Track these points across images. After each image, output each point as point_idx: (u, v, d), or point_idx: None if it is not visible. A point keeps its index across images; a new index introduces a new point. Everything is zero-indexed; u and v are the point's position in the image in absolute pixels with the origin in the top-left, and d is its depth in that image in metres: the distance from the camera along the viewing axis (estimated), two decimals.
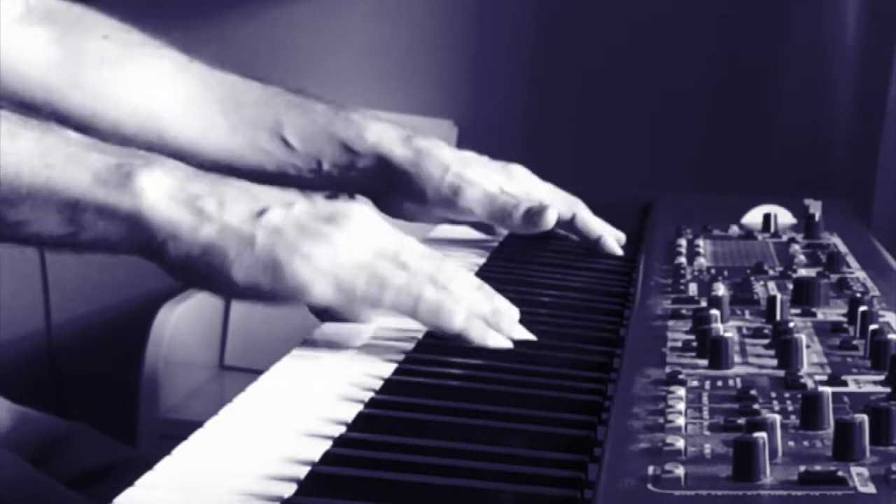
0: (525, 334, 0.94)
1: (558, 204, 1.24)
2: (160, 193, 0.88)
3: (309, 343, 0.96)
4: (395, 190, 1.20)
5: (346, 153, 1.20)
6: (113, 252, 0.90)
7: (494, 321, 0.93)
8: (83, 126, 1.14)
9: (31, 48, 1.15)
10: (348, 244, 0.90)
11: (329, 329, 0.99)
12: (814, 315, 0.97)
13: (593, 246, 1.24)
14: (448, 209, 1.21)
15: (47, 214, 0.88)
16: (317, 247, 0.89)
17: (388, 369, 0.88)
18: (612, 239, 1.24)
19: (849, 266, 1.13)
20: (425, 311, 0.91)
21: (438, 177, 1.20)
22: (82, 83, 1.16)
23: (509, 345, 0.93)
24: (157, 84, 1.19)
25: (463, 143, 2.21)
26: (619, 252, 1.24)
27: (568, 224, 1.25)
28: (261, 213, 0.89)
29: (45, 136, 0.89)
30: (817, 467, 0.64)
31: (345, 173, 1.21)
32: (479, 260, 1.22)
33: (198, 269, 0.89)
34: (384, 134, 1.21)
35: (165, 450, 0.71)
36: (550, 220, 1.18)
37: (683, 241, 1.25)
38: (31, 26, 1.16)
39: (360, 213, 0.93)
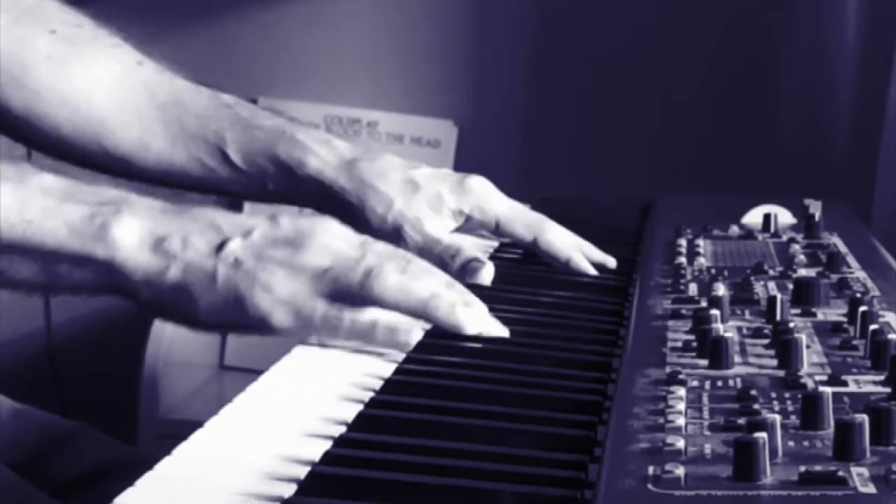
0: (498, 328, 0.94)
1: (517, 226, 1.18)
2: (132, 240, 0.91)
3: (309, 343, 0.96)
4: (341, 217, 1.10)
5: (288, 176, 1.16)
6: (90, 294, 0.94)
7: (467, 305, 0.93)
8: (21, 123, 1.13)
9: None
10: (306, 266, 0.91)
11: None
12: (814, 315, 0.97)
13: (563, 266, 1.17)
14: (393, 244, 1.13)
15: (25, 265, 0.92)
16: (276, 275, 0.91)
17: (388, 369, 0.88)
18: (583, 260, 1.17)
19: (849, 266, 1.13)
20: (380, 337, 0.91)
21: (381, 213, 1.15)
22: (25, 79, 1.13)
23: (480, 328, 0.93)
24: (100, 87, 1.16)
25: (463, 142, 2.21)
26: (592, 270, 1.16)
27: (531, 246, 1.18)
28: (221, 245, 0.91)
29: (21, 188, 0.91)
30: (817, 467, 0.64)
31: (290, 195, 1.17)
32: None
33: (168, 307, 0.92)
34: (328, 160, 1.15)
35: (165, 450, 0.71)
36: (486, 278, 1.08)
37: (683, 241, 1.24)
38: None
39: (322, 229, 0.93)
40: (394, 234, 1.14)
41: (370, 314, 0.92)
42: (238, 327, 0.93)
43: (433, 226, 1.15)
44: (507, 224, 1.18)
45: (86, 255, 0.91)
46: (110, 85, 1.16)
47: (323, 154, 1.16)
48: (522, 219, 1.19)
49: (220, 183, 1.18)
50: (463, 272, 1.08)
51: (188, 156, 1.17)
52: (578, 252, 1.17)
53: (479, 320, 0.94)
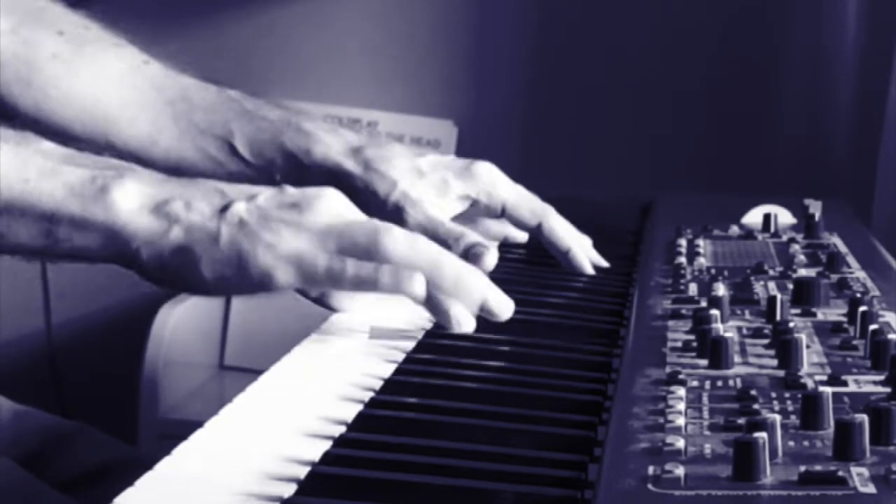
0: (505, 302, 0.94)
1: (522, 211, 1.18)
2: (133, 204, 0.90)
3: (309, 343, 0.96)
4: None
5: (295, 165, 1.16)
6: (90, 261, 0.93)
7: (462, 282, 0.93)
8: (31, 123, 1.14)
9: None
10: (312, 225, 0.91)
11: (329, 329, 0.99)
12: (814, 315, 0.97)
13: (561, 259, 1.17)
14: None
15: (23, 227, 0.91)
16: (279, 234, 0.90)
17: (388, 369, 0.89)
18: (582, 253, 1.18)
19: (849, 266, 1.13)
20: (386, 279, 0.90)
21: (384, 194, 1.14)
22: (32, 78, 1.14)
23: (486, 295, 0.93)
24: (108, 85, 1.17)
25: (463, 142, 2.21)
26: (589, 269, 1.17)
27: (535, 231, 1.18)
28: (224, 208, 0.91)
29: (21, 149, 0.91)
30: (817, 467, 0.64)
31: (297, 185, 1.17)
32: None
33: (170, 272, 0.92)
34: (333, 146, 1.16)
35: (165, 450, 0.71)
36: (489, 262, 1.06)
37: (683, 241, 1.25)
38: None
39: (328, 195, 0.93)
40: (396, 215, 1.13)
41: (368, 300, 0.91)
42: (241, 288, 0.92)
43: (437, 208, 1.15)
44: (513, 208, 1.18)
45: (85, 217, 0.90)
46: (117, 82, 1.17)
47: (329, 141, 1.16)
48: (528, 204, 1.19)
49: (229, 176, 1.18)
50: (466, 256, 1.07)
51: (196, 150, 1.17)
52: (579, 246, 1.18)
53: (484, 282, 0.93)
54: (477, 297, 0.93)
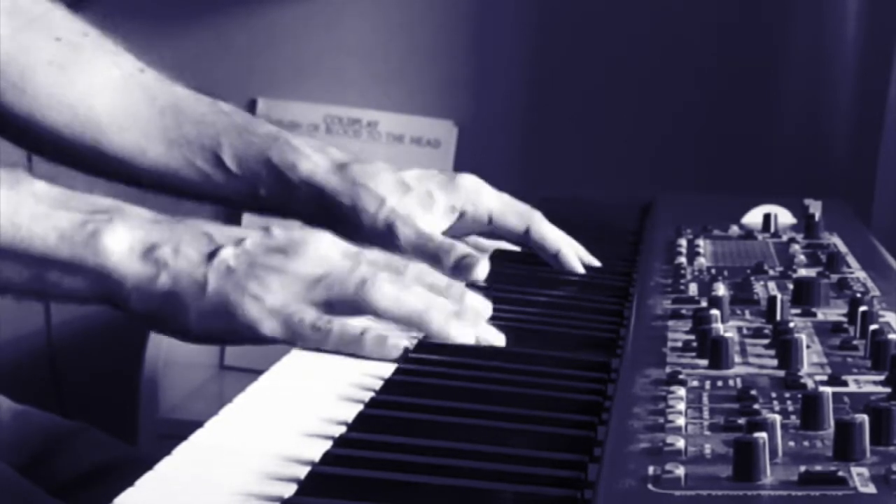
0: (494, 336, 0.94)
1: (509, 217, 1.18)
2: (122, 248, 0.91)
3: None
4: (333, 222, 1.14)
5: (281, 181, 1.16)
6: (81, 303, 0.95)
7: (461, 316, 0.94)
8: (22, 127, 1.14)
9: None
10: (300, 273, 0.91)
11: None
12: (814, 315, 0.97)
13: (551, 262, 1.18)
14: (385, 245, 1.11)
15: (14, 270, 0.92)
16: (266, 284, 0.91)
17: (388, 369, 0.88)
18: (573, 253, 1.18)
19: (849, 266, 1.13)
20: (368, 346, 0.91)
21: (373, 212, 1.14)
22: (27, 84, 1.14)
23: (473, 339, 0.93)
24: (100, 92, 1.17)
25: (463, 142, 2.21)
26: (580, 268, 1.17)
27: (523, 237, 1.19)
28: (212, 254, 0.92)
29: (13, 193, 0.92)
30: (817, 467, 0.64)
31: (283, 202, 1.17)
32: None
33: (159, 318, 0.93)
34: (320, 163, 1.16)
35: (165, 450, 0.71)
36: (480, 274, 1.07)
37: (683, 241, 1.25)
38: None
39: (316, 239, 0.94)
40: (386, 232, 1.13)
41: (360, 323, 0.92)
42: (228, 337, 0.93)
43: (426, 223, 1.15)
44: (500, 216, 1.19)
45: (76, 262, 0.91)
46: (110, 90, 1.17)
47: (315, 158, 1.16)
48: (514, 209, 1.19)
49: (215, 188, 1.18)
50: (457, 269, 1.08)
51: (184, 160, 1.17)
52: (568, 246, 1.18)
53: (471, 332, 0.94)
54: (465, 341, 0.94)
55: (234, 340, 0.93)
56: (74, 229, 0.91)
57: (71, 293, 0.93)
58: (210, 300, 0.91)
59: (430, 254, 1.10)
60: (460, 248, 1.09)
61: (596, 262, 1.19)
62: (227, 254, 0.92)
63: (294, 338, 0.91)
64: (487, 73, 2.24)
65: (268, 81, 2.24)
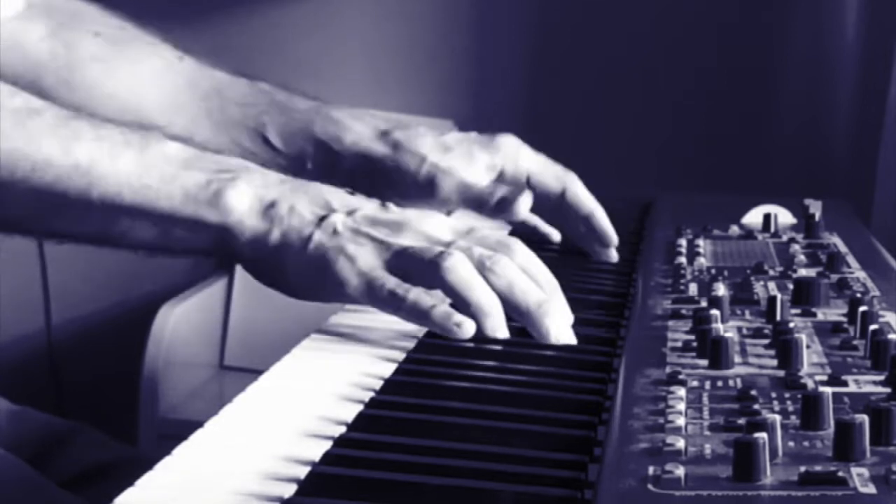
0: (565, 334, 0.94)
1: (548, 178, 1.22)
2: (244, 206, 0.96)
3: (309, 343, 0.96)
4: (379, 186, 1.19)
5: (327, 153, 1.20)
6: (202, 255, 1.01)
7: (534, 310, 0.94)
8: None
9: (25, 43, 1.16)
10: (395, 245, 0.94)
11: (329, 329, 0.99)
12: (814, 315, 0.97)
13: (584, 223, 1.21)
14: (428, 200, 1.18)
15: (143, 227, 0.97)
16: (362, 248, 0.94)
17: (388, 369, 0.88)
18: (606, 217, 1.22)
19: (849, 266, 1.13)
20: (437, 319, 0.92)
21: (415, 169, 1.19)
22: (72, 80, 1.17)
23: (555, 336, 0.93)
24: (145, 83, 1.20)
25: None
26: (612, 232, 1.21)
27: (559, 199, 1.22)
28: (323, 217, 0.95)
29: (144, 155, 0.96)
30: (817, 467, 0.64)
31: (329, 172, 1.20)
32: None
33: (266, 270, 0.97)
34: (363, 132, 1.20)
35: (165, 450, 0.71)
36: (524, 207, 1.14)
37: (683, 241, 1.25)
38: (28, 21, 1.17)
39: (428, 217, 0.97)
40: (427, 186, 1.18)
41: (437, 296, 0.93)
42: (318, 292, 0.96)
43: (467, 174, 1.19)
44: (538, 175, 1.22)
45: (200, 219, 0.96)
46: (155, 80, 1.21)
47: (358, 128, 1.21)
48: (552, 170, 1.24)
49: (263, 165, 1.20)
50: (500, 206, 1.15)
51: (230, 141, 1.20)
52: (602, 211, 1.22)
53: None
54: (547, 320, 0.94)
55: (323, 297, 0.96)
56: (199, 188, 0.96)
57: (194, 248, 0.98)
58: (309, 255, 0.94)
59: (472, 199, 1.17)
60: (501, 190, 1.14)
61: (616, 239, 1.22)
62: (337, 218, 0.95)
63: (372, 301, 0.94)
64: (487, 73, 2.24)
65: (258, 78, 2.23)
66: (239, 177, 0.96)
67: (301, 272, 0.95)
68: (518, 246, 0.97)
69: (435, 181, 1.18)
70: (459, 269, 0.93)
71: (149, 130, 1.00)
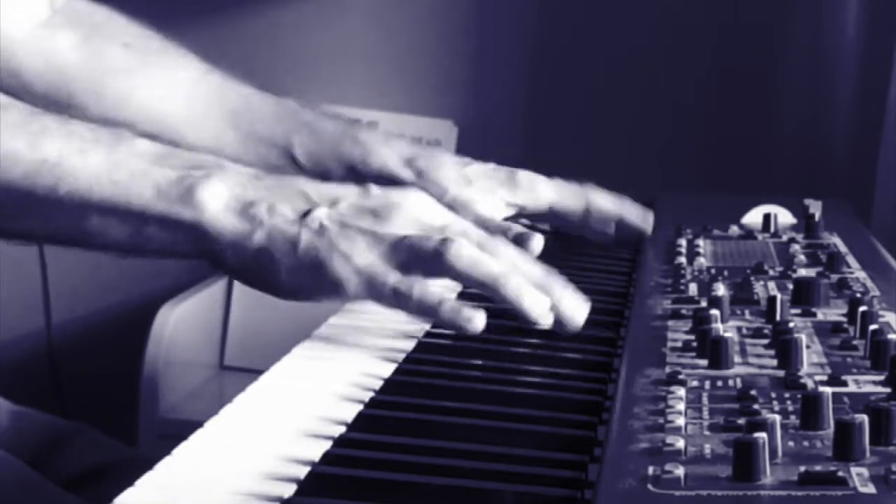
0: (579, 308, 0.95)
1: (569, 202, 1.24)
2: (219, 205, 0.93)
3: (309, 343, 0.96)
4: None
5: (351, 174, 1.21)
6: (179, 257, 0.97)
7: (543, 286, 0.94)
8: None
9: (54, 52, 1.16)
10: (388, 236, 0.93)
11: (329, 329, 0.99)
12: (814, 315, 0.97)
13: (616, 226, 1.25)
14: None
15: (113, 226, 0.94)
16: (355, 244, 0.93)
17: (388, 369, 0.89)
18: (633, 210, 1.25)
19: (849, 266, 1.13)
20: (446, 315, 0.92)
21: (435, 198, 1.19)
22: (101, 90, 1.18)
23: (545, 316, 0.94)
24: (173, 94, 1.21)
25: (463, 142, 2.21)
26: (645, 222, 1.26)
27: (585, 215, 1.25)
28: (307, 213, 0.93)
29: (114, 151, 0.94)
30: (817, 467, 0.64)
31: None
32: None
33: (252, 273, 0.95)
34: (389, 157, 1.22)
35: (165, 450, 0.71)
36: (536, 247, 1.10)
37: (683, 241, 1.25)
38: (55, 30, 1.17)
39: (409, 200, 0.96)
40: None
41: (441, 287, 0.93)
42: (316, 294, 0.94)
43: (484, 209, 1.20)
44: (559, 203, 1.25)
45: (172, 216, 0.93)
46: (183, 92, 1.21)
47: (383, 152, 1.22)
48: (570, 192, 1.26)
49: None
50: (514, 242, 1.11)
51: (257, 157, 1.21)
52: (628, 206, 1.26)
53: (546, 301, 0.94)
54: (537, 316, 0.94)
55: (321, 298, 0.95)
56: (171, 185, 0.93)
57: (169, 249, 0.95)
58: (301, 257, 0.93)
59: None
60: (516, 227, 1.12)
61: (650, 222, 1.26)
62: (321, 213, 0.94)
63: (376, 299, 0.93)
64: (487, 73, 2.24)
65: (268, 81, 2.23)
66: (212, 173, 0.94)
67: (295, 275, 0.93)
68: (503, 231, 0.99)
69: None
70: (465, 255, 0.92)
71: (119, 129, 0.98)
